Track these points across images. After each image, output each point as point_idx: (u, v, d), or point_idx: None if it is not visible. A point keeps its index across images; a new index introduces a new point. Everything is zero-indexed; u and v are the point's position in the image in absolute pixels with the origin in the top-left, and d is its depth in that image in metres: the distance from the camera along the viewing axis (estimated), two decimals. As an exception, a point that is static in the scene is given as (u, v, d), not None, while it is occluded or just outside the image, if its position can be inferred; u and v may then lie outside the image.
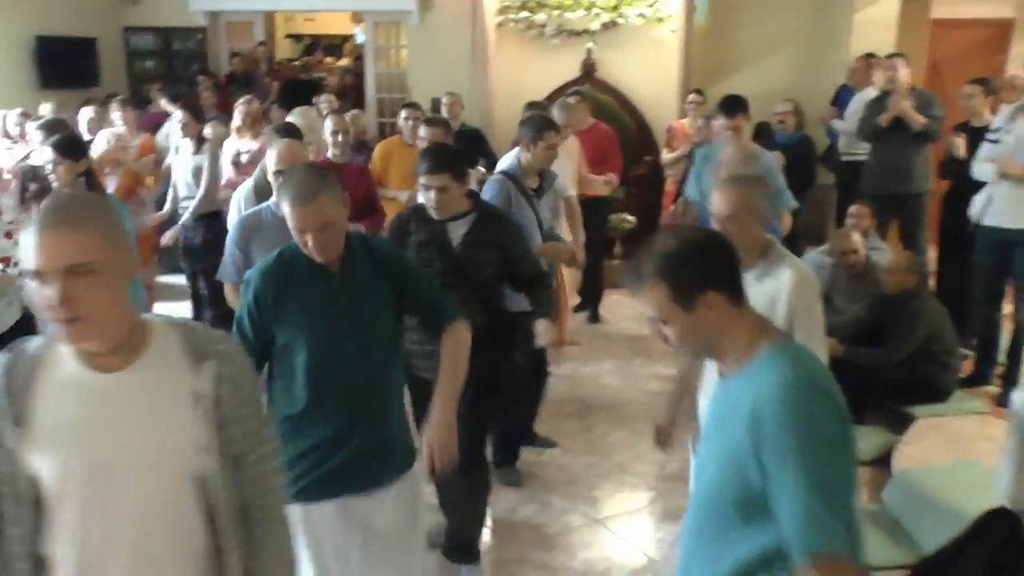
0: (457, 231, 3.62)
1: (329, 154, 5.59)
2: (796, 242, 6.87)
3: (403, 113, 6.62)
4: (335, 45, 14.17)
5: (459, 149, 3.98)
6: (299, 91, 9.71)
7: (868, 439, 4.84)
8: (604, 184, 6.81)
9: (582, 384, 6.19)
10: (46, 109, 7.99)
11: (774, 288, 2.96)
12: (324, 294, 2.67)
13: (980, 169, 5.50)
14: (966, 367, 5.72)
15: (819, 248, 6.51)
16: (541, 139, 4.59)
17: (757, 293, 2.75)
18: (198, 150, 6.60)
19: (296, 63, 12.39)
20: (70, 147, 4.54)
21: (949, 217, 6.24)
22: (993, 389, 5.64)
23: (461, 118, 7.59)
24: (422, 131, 5.58)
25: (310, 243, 2.59)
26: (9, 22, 9.22)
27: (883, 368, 5.12)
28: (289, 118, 6.11)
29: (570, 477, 4.90)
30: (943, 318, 5.29)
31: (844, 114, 7.59)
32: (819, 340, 2.97)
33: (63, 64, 9.80)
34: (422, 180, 3.53)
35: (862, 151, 7.23)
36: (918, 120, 6.25)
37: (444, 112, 7.24)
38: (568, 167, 5.76)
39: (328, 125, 5.58)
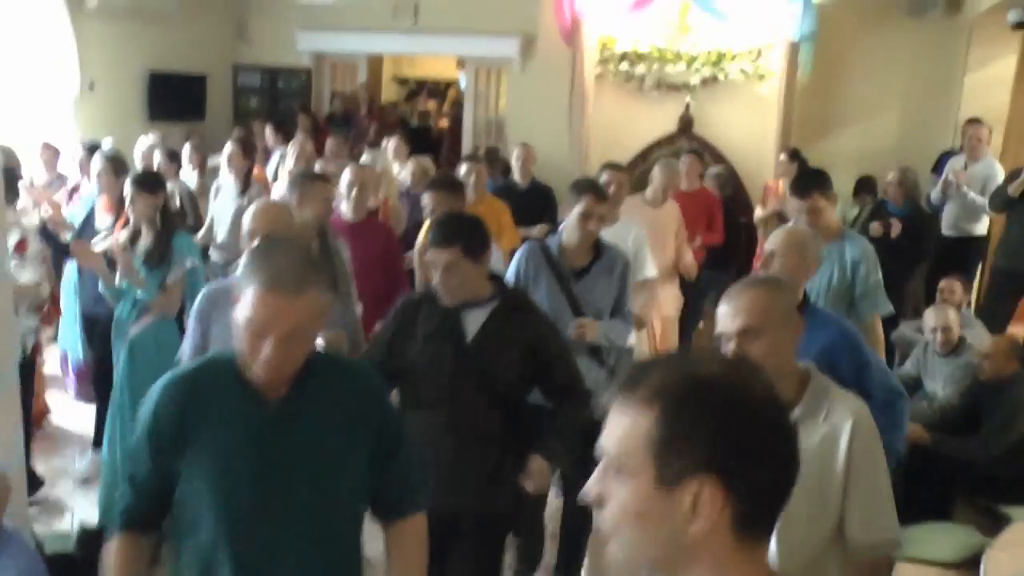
0: (474, 322, 2.94)
1: (342, 208, 4.84)
2: (896, 317, 6.54)
3: (463, 168, 5.80)
4: (439, 89, 14.32)
5: (476, 221, 3.10)
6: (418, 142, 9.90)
7: (955, 537, 4.47)
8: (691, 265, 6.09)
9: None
10: (148, 140, 8.22)
11: (827, 436, 2.20)
12: (251, 429, 1.97)
13: None
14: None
15: (909, 324, 6.16)
16: (577, 204, 3.84)
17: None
18: (244, 190, 6.12)
19: (388, 106, 12.51)
20: (148, 182, 4.60)
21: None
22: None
23: (532, 174, 7.09)
24: (425, 199, 4.52)
25: (264, 353, 1.87)
26: (125, 57, 9.62)
27: (976, 461, 4.74)
28: (363, 158, 6.02)
29: None
30: (1047, 410, 4.88)
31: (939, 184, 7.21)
32: (887, 509, 2.31)
33: (173, 99, 10.17)
34: (428, 254, 2.96)
35: (965, 226, 6.87)
36: None
37: (515, 166, 6.88)
38: (646, 239, 4.90)
39: (345, 176, 4.86)
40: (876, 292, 4.13)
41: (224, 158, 6.25)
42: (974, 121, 7.09)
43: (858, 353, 3.14)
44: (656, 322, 5.59)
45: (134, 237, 4.55)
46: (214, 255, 6.07)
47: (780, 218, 6.98)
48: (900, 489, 4.84)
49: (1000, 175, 6.76)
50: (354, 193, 4.76)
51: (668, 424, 1.07)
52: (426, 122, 12.26)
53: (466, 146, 10.49)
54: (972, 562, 4.31)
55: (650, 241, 5.25)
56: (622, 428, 1.11)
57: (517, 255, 3.96)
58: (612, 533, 1.13)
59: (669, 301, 5.76)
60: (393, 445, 2.12)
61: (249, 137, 7.46)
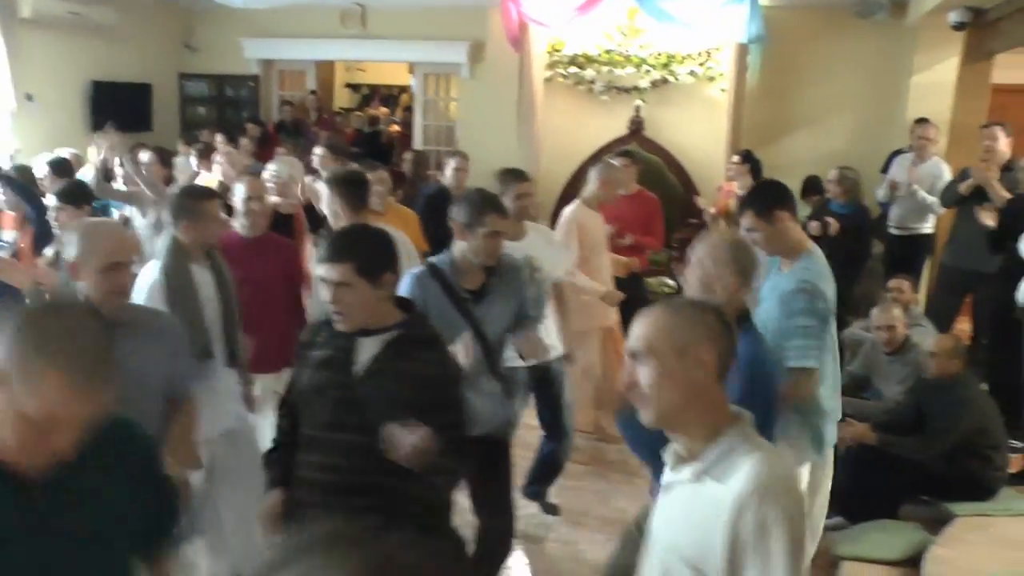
0: (367, 351, 2.54)
1: (237, 226, 4.31)
2: (844, 316, 6.55)
3: (452, 163, 6.19)
4: (392, 95, 14.24)
5: (380, 235, 2.65)
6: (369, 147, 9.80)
7: (900, 535, 4.46)
8: (624, 266, 6.10)
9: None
10: (93, 152, 8.04)
11: (717, 500, 1.78)
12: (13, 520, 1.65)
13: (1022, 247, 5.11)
14: (1016, 463, 5.27)
15: (859, 323, 6.17)
16: (480, 225, 3.33)
17: (682, 507, 1.89)
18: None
19: (341, 113, 12.42)
20: (73, 195, 4.47)
21: (1000, 298, 5.81)
22: (1046, 487, 5.18)
23: (465, 182, 6.48)
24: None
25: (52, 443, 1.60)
26: (65, 68, 9.40)
27: (920, 459, 4.73)
28: (270, 166, 5.73)
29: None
30: (990, 409, 4.89)
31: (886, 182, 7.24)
32: None
33: (117, 109, 9.94)
34: (318, 270, 2.56)
35: (912, 224, 6.90)
36: (1001, 195, 5.84)
37: (448, 174, 6.49)
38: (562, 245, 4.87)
39: (239, 190, 4.29)
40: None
41: (143, 167, 6.01)
42: (922, 121, 7.13)
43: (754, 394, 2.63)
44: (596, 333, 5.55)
45: (60, 252, 4.40)
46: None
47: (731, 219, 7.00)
48: (847, 487, 4.89)
49: (947, 174, 6.80)
50: (251, 206, 4.24)
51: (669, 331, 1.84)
52: (377, 127, 12.15)
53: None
54: (917, 560, 4.30)
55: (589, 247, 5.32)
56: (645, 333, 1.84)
57: (404, 284, 3.36)
58: (651, 395, 1.80)
59: (609, 310, 5.61)
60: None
61: (165, 151, 7.19)
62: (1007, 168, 6.04)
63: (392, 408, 2.45)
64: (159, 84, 10.70)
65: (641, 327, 1.88)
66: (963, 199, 6.13)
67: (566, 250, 4.96)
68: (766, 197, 3.53)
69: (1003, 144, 6.05)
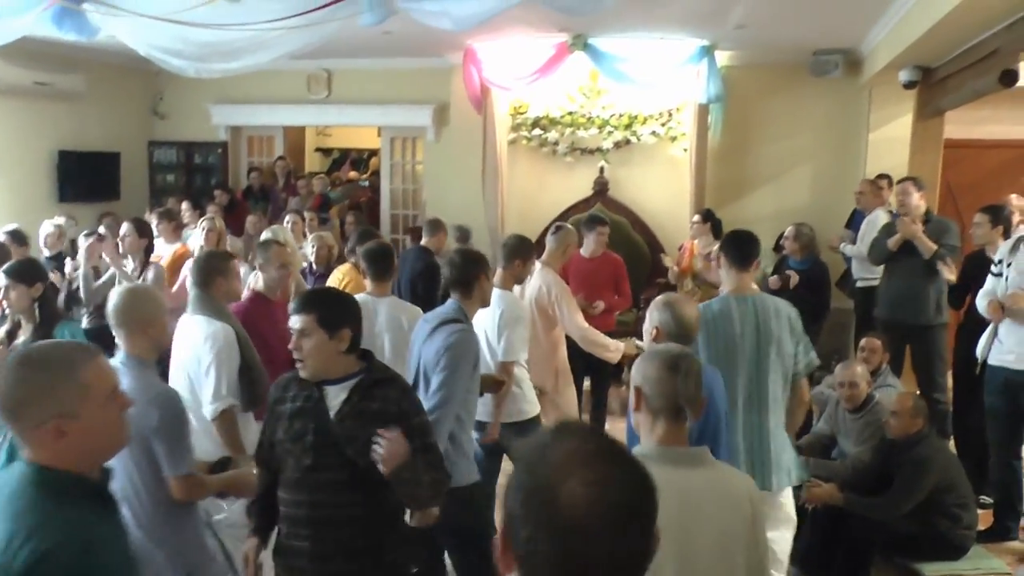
0: (336, 398, 2.86)
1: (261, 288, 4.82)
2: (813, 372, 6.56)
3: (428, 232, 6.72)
4: (362, 159, 14.30)
5: (342, 296, 3.14)
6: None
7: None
8: (592, 308, 6.29)
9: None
10: (59, 223, 7.99)
11: None
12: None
13: (982, 304, 5.13)
14: (985, 519, 5.26)
15: (828, 380, 6.17)
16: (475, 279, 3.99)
17: None
18: (142, 273, 5.95)
19: (303, 177, 12.42)
20: (23, 272, 4.40)
21: (962, 354, 5.83)
22: (1017, 545, 5.16)
23: (444, 247, 7.08)
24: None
25: None
26: (30, 137, 9.36)
27: (887, 520, 4.70)
28: (264, 235, 5.93)
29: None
30: (954, 466, 4.88)
31: (856, 237, 7.31)
32: None
33: (85, 178, 9.92)
34: (289, 321, 2.90)
35: (875, 276, 6.95)
36: (928, 246, 5.94)
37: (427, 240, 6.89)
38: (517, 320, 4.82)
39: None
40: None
41: (119, 239, 6.09)
42: (879, 177, 7.27)
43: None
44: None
45: (12, 331, 4.32)
46: None
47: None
48: (816, 548, 4.84)
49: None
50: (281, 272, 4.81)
51: None
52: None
53: (384, 215, 10.42)
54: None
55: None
56: None
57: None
58: None
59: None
60: None
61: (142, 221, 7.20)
62: (925, 220, 6.13)
63: (367, 445, 2.75)
64: (128, 152, 10.67)
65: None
66: (892, 254, 6.19)
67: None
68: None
69: (916, 199, 6.13)
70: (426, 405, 3.41)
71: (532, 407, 4.85)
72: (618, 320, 7.02)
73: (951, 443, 6.16)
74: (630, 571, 1.18)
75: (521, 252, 4.85)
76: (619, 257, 6.88)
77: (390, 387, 2.92)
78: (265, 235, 6.16)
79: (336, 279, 5.91)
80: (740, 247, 4.06)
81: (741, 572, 2.22)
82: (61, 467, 1.88)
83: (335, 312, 2.86)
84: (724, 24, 7.29)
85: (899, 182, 6.47)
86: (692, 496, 2.19)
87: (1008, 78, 5.41)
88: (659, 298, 3.46)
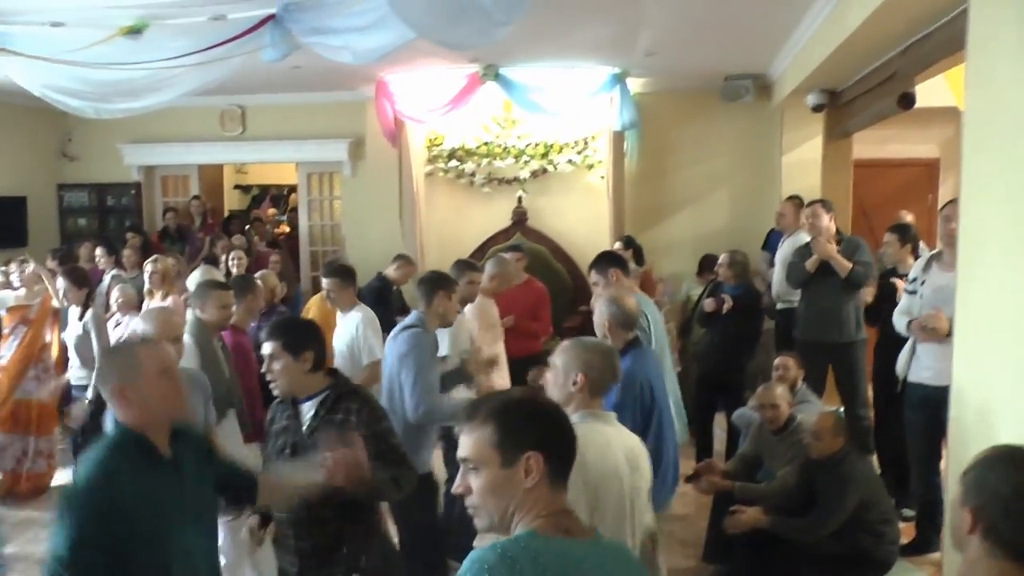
0: (308, 414, 3.27)
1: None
2: (741, 392, 6.58)
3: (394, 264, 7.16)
4: (282, 195, 14.08)
5: (305, 323, 3.67)
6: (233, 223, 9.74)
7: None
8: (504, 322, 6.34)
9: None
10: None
11: None
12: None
13: (899, 322, 5.19)
14: (908, 532, 5.30)
15: (751, 403, 6.19)
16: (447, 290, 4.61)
17: None
18: (83, 315, 6.19)
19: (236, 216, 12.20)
20: None
21: (881, 370, 5.90)
22: (938, 556, 5.17)
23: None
24: None
25: None
26: (-71, 184, 9.02)
27: (812, 540, 4.70)
28: (193, 275, 5.91)
29: None
30: (876, 483, 4.90)
31: (773, 259, 7.39)
32: None
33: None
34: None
35: (794, 297, 7.03)
36: (844, 265, 6.04)
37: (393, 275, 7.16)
38: (371, 321, 5.54)
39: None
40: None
41: (62, 294, 6.36)
42: (789, 198, 7.38)
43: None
44: None
45: None
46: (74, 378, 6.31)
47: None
48: (743, 571, 4.82)
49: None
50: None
51: (503, 429, 1.80)
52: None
53: (303, 252, 10.25)
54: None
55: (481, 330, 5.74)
56: (472, 440, 1.82)
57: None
58: (479, 508, 1.82)
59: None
60: None
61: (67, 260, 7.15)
62: (838, 240, 6.23)
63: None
64: (35, 196, 10.34)
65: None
66: (810, 275, 6.27)
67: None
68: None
69: (826, 220, 6.24)
70: (409, 405, 4.23)
71: None
72: (544, 346, 6.98)
73: (874, 457, 6.24)
74: None
75: (441, 285, 4.81)
76: (542, 286, 6.88)
77: (351, 400, 3.26)
78: (203, 276, 6.15)
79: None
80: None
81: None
82: (127, 424, 2.54)
83: (298, 337, 3.25)
84: (633, 51, 7.35)
85: (807, 205, 6.57)
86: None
87: (906, 101, 5.54)
88: (604, 296, 4.19)
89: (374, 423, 3.24)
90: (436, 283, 4.61)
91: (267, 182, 14.35)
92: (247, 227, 10.51)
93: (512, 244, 7.63)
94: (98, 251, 8.58)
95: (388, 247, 9.02)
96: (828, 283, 6.14)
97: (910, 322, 4.99)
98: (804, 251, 6.38)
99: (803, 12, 5.86)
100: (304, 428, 3.23)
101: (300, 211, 10.52)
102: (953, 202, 4.85)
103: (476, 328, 5.67)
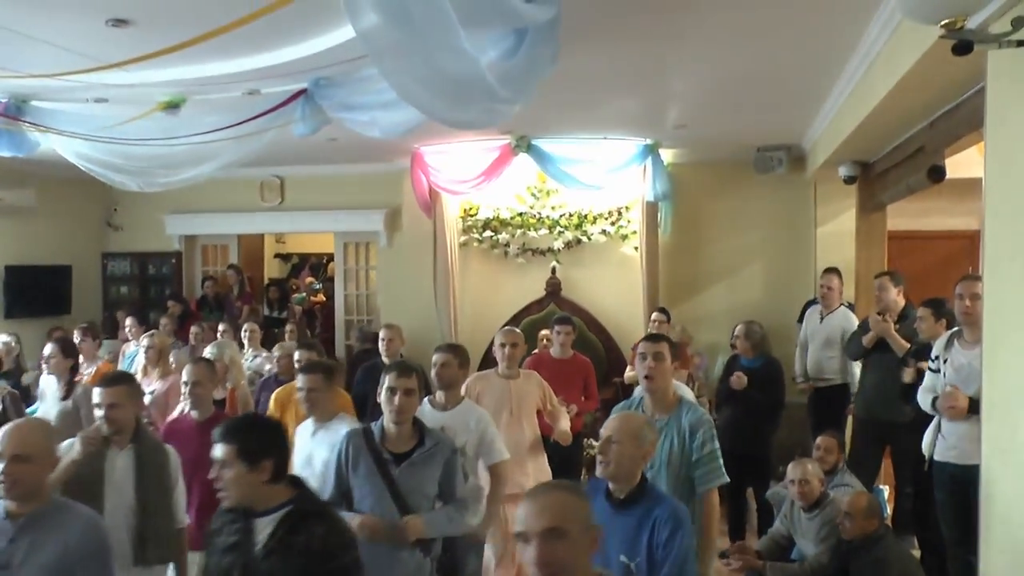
0: (262, 531, 2.79)
1: (186, 408, 4.70)
2: (768, 465, 6.45)
3: (382, 333, 6.65)
4: (321, 264, 14.26)
5: (266, 424, 3.07)
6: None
7: None
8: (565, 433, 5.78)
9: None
10: (4, 340, 7.80)
11: None
12: None
13: (924, 400, 5.05)
14: (947, 618, 5.09)
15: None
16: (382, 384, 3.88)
17: None
18: (67, 395, 5.67)
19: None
20: None
21: (916, 450, 5.74)
22: (980, 643, 4.97)
23: (399, 352, 6.77)
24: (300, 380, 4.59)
25: None
26: (-24, 255, 9.28)
27: (846, 626, 4.55)
28: (207, 351, 5.88)
29: None
30: (912, 565, 4.79)
31: (801, 333, 7.31)
32: None
33: (33, 293, 9.78)
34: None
35: (829, 374, 6.91)
36: (901, 344, 5.89)
37: (382, 348, 6.68)
38: (490, 421, 4.75)
39: (185, 374, 4.64)
40: (712, 461, 3.92)
41: (43, 360, 5.90)
42: (829, 271, 7.28)
43: (678, 538, 3.07)
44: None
45: None
46: None
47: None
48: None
49: (854, 322, 6.88)
50: (195, 391, 4.57)
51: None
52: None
53: (339, 322, 10.32)
54: None
55: (511, 413, 5.36)
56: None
57: (339, 441, 3.92)
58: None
59: (536, 474, 5.47)
60: None
61: (84, 333, 7.12)
62: (903, 316, 6.11)
63: None
64: (80, 265, 10.58)
65: (553, 504, 2.16)
66: (867, 351, 6.16)
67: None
68: None
69: (894, 294, 6.13)
70: None
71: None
72: (585, 420, 6.88)
73: (915, 539, 6.05)
74: None
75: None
76: (587, 359, 6.80)
77: (317, 522, 2.81)
78: (208, 352, 6.05)
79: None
80: None
81: None
82: None
83: (256, 442, 2.81)
84: (663, 124, 7.39)
85: (877, 277, 6.46)
86: None
87: (936, 174, 5.47)
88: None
89: (337, 555, 2.79)
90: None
91: (306, 251, 14.56)
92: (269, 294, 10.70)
93: (561, 316, 7.39)
94: (128, 321, 8.71)
95: (422, 317, 9.09)
96: (885, 360, 5.98)
97: (934, 400, 4.85)
98: (865, 326, 6.27)
99: (831, 85, 5.87)
100: (258, 548, 2.77)
101: (336, 280, 10.63)
102: (965, 279, 4.78)
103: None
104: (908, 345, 5.85)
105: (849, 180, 7.48)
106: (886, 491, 6.53)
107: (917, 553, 5.83)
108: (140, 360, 6.61)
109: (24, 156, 6.22)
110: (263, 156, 6.52)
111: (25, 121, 5.68)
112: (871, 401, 6.19)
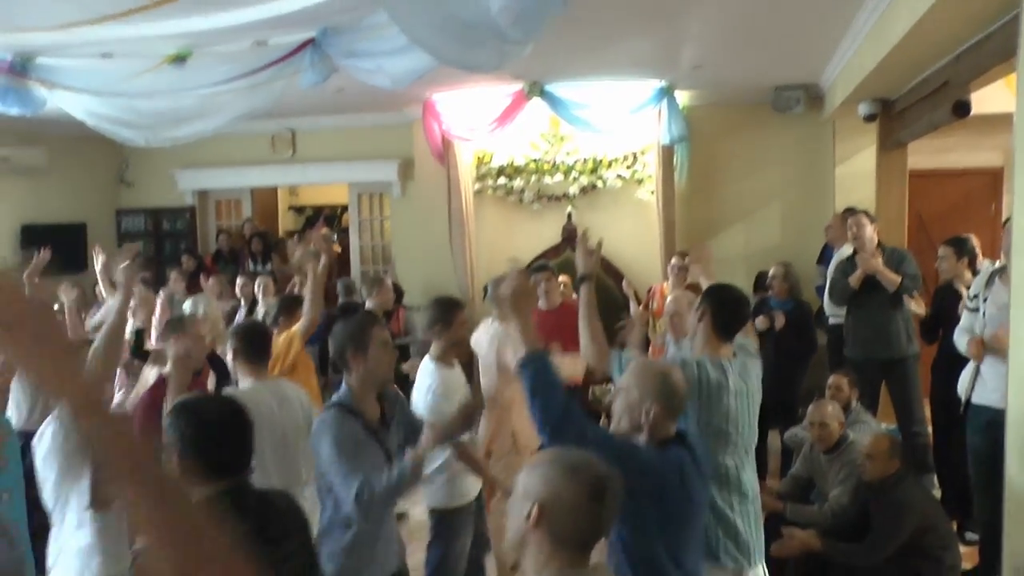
0: None
1: None
2: (794, 410, 6.41)
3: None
4: (335, 216, 14.20)
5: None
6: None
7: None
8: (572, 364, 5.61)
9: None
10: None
11: None
12: None
13: (960, 341, 4.95)
14: (971, 557, 5.08)
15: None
16: (364, 345, 3.18)
17: None
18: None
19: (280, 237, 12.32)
20: None
21: (940, 389, 5.69)
22: (1003, 583, 4.96)
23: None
24: None
25: None
26: (-8, 213, 9.28)
27: (868, 565, 4.53)
28: (185, 306, 5.79)
29: None
30: (934, 506, 4.72)
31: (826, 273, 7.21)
32: None
33: (50, 251, 9.75)
34: None
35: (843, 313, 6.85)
36: (891, 278, 5.84)
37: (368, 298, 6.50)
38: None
39: None
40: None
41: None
42: (848, 211, 7.16)
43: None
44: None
45: None
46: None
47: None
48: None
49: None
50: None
51: None
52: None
53: (354, 273, 10.30)
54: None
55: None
56: None
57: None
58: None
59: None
60: None
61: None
62: (880, 253, 6.04)
63: None
64: (94, 222, 10.57)
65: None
66: (854, 292, 6.08)
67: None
68: None
69: (870, 231, 6.04)
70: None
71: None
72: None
73: (934, 476, 6.02)
74: None
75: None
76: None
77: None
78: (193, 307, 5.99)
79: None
80: (731, 314, 3.47)
81: None
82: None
83: None
84: (679, 65, 7.25)
85: (850, 215, 6.35)
86: None
87: (961, 109, 5.34)
88: (649, 366, 2.93)
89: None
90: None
91: (320, 203, 14.50)
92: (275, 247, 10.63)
93: (539, 264, 7.18)
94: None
95: (437, 266, 9.06)
96: (875, 298, 5.94)
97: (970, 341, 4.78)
98: (846, 266, 6.18)
99: (850, 20, 5.71)
100: None
101: (351, 231, 10.59)
102: None
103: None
104: (899, 278, 5.79)
105: (869, 118, 7.33)
106: (896, 433, 6.50)
107: (937, 492, 5.81)
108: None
109: (32, 115, 6.16)
110: (273, 109, 6.45)
111: (31, 78, 5.63)
112: (866, 341, 6.11)
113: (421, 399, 4.13)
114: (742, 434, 3.40)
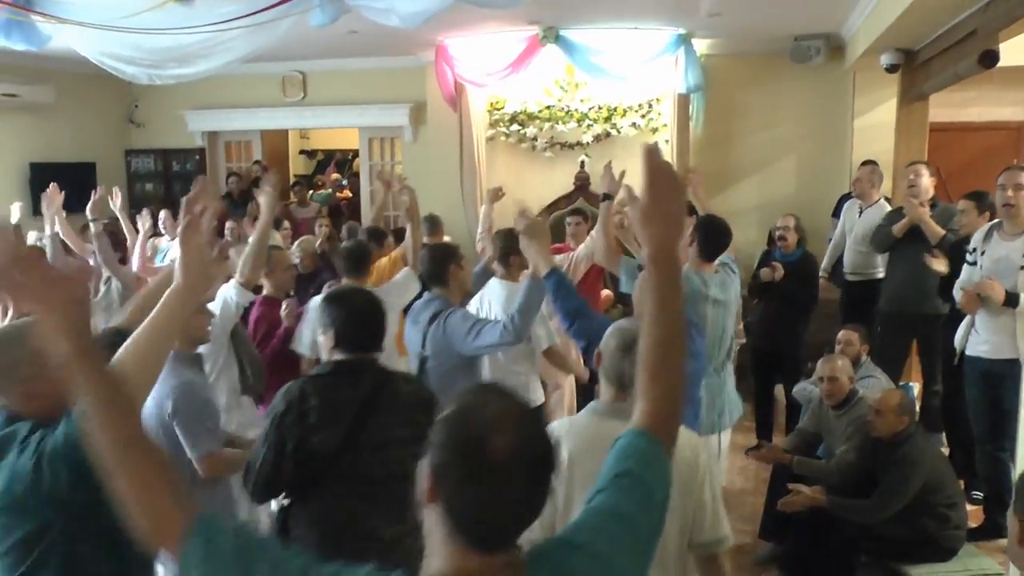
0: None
1: None
2: (798, 363, 6.35)
3: None
4: (347, 160, 14.11)
5: None
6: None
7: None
8: None
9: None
10: (32, 237, 7.80)
11: None
12: None
13: (958, 294, 4.91)
14: (977, 516, 5.06)
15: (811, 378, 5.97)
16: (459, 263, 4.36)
17: None
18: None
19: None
20: None
21: (949, 345, 5.62)
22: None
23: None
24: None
25: None
26: (2, 150, 9.20)
27: (874, 523, 4.51)
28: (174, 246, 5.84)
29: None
30: (941, 465, 4.69)
31: (838, 228, 7.11)
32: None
33: (59, 190, 9.70)
34: None
35: (871, 270, 6.72)
36: (935, 231, 5.67)
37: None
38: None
39: None
40: None
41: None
42: (864, 164, 7.04)
43: None
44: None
45: None
46: None
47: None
48: (801, 552, 4.66)
49: None
50: None
51: None
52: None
53: (365, 218, 10.22)
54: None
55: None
56: None
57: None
58: None
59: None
60: None
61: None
62: (932, 206, 5.93)
63: None
64: (104, 162, 10.49)
65: None
66: (896, 241, 5.98)
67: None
68: None
69: (927, 182, 5.93)
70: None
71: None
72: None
73: (942, 435, 5.99)
74: (536, 511, 1.43)
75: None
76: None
77: None
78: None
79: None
80: (715, 242, 4.45)
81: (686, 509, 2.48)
82: None
83: None
84: (697, 12, 7.08)
85: (909, 164, 6.25)
86: None
87: (988, 59, 5.17)
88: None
89: None
90: (448, 257, 4.32)
91: (332, 147, 14.41)
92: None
93: (571, 209, 7.36)
94: (162, 214, 8.62)
95: (449, 212, 8.94)
96: (915, 251, 5.76)
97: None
98: (894, 215, 6.08)
99: (876, -33, 5.55)
100: None
101: (362, 176, 10.51)
102: (1009, 169, 4.59)
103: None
104: (943, 232, 5.66)
105: (891, 69, 7.16)
106: (916, 388, 6.44)
107: (946, 451, 5.77)
108: (173, 254, 6.62)
109: (38, 50, 6.07)
110: (283, 51, 6.36)
111: (36, 11, 5.53)
112: (901, 294, 6.04)
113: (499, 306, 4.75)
114: (717, 336, 4.45)
